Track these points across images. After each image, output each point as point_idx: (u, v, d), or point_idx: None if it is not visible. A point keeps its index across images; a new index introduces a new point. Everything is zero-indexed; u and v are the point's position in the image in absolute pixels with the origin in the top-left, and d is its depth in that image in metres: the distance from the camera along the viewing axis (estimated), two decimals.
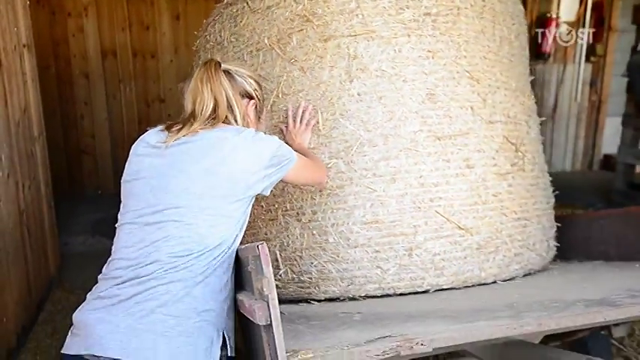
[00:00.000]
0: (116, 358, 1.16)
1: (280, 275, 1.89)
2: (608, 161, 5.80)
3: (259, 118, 1.63)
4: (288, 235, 1.90)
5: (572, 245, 2.24)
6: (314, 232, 1.84)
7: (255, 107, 1.57)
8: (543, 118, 2.40)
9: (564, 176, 5.66)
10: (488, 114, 1.86)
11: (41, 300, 3.34)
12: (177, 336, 1.22)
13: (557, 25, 5.49)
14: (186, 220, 1.28)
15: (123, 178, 1.41)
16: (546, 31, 5.43)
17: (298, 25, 1.85)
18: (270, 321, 1.03)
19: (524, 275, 1.99)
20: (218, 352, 1.28)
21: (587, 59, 5.73)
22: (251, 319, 1.13)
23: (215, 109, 1.40)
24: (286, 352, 1.02)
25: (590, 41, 5.69)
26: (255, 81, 1.56)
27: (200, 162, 1.32)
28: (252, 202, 1.43)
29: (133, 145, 1.43)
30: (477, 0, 1.94)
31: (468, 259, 1.77)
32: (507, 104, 1.94)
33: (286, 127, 1.87)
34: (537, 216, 2.00)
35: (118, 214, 1.39)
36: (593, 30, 5.70)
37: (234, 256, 1.37)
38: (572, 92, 5.75)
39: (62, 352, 1.23)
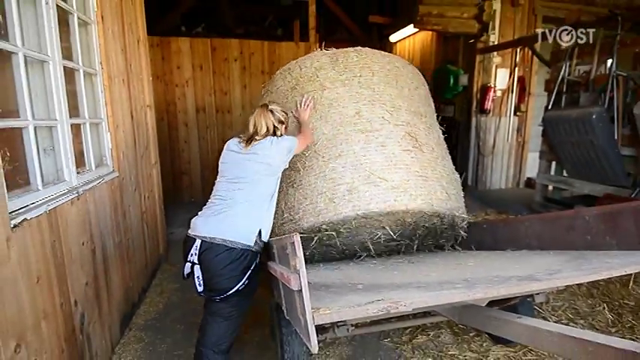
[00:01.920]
0: (202, 235, 1.68)
1: (284, 217, 2.26)
2: (529, 182, 5.66)
3: (286, 128, 2.00)
4: (287, 195, 2.26)
5: (506, 239, 2.18)
6: (300, 191, 2.20)
7: (286, 127, 1.98)
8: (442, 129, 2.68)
9: (501, 192, 5.54)
10: (394, 121, 2.24)
11: (154, 271, 3.38)
12: (237, 223, 1.71)
13: (495, 92, 5.39)
14: (248, 184, 1.76)
15: (220, 161, 1.89)
16: (487, 95, 5.31)
17: (290, 89, 2.43)
18: (301, 287, 1.08)
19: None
20: (257, 231, 1.73)
21: (515, 114, 5.61)
22: (287, 285, 1.22)
23: (267, 130, 1.86)
24: (312, 309, 1.06)
25: (516, 102, 5.55)
26: (285, 112, 1.96)
27: (258, 157, 1.79)
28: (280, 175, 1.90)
29: (225, 146, 1.92)
30: (385, 67, 2.41)
31: (386, 195, 2.06)
32: (408, 118, 2.29)
33: (297, 110, 2.29)
34: (436, 178, 2.22)
35: (216, 179, 1.87)
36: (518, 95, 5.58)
37: (275, 196, 1.86)
38: (505, 135, 5.66)
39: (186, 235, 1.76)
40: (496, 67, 5.47)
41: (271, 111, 1.87)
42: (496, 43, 5.41)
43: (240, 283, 1.67)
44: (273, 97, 2.51)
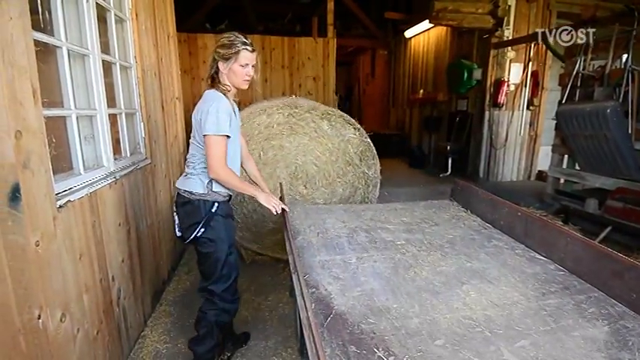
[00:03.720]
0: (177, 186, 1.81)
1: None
2: (540, 175, 5.51)
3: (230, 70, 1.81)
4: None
5: (539, 241, 2.10)
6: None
7: (229, 66, 1.76)
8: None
9: (512, 184, 5.43)
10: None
11: (182, 251, 3.43)
12: (187, 174, 1.79)
13: (508, 86, 5.24)
14: (193, 137, 1.79)
15: None
16: (500, 89, 5.17)
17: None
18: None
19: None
20: (206, 181, 1.75)
21: (527, 108, 5.45)
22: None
23: (208, 75, 1.81)
24: None
25: (529, 96, 5.38)
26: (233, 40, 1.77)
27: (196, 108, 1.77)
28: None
29: None
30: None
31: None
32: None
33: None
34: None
35: None
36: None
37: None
38: (517, 129, 5.53)
39: None
40: (510, 61, 5.31)
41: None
42: (510, 38, 5.24)
43: (197, 232, 1.71)
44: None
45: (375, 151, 3.32)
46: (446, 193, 3.15)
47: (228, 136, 1.64)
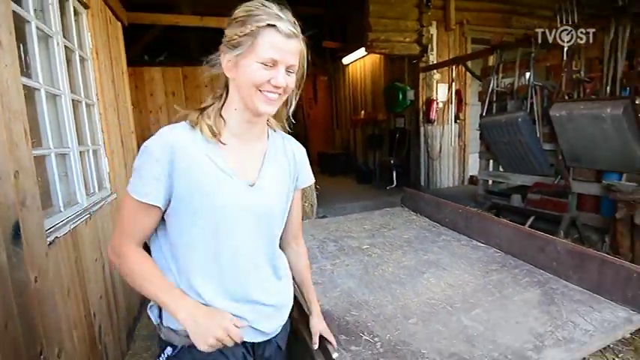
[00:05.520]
0: None
1: None
2: (472, 179, 6.18)
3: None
4: None
5: (478, 231, 2.45)
6: None
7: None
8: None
9: (449, 190, 6.01)
10: None
11: None
12: None
13: (437, 104, 5.90)
14: None
15: None
16: (431, 107, 5.80)
17: None
18: None
19: None
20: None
21: (455, 121, 6.15)
22: None
23: None
24: None
25: (456, 111, 6.09)
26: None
27: None
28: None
29: None
30: None
31: None
32: None
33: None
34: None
35: None
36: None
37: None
38: (449, 141, 6.17)
39: None
40: (437, 82, 6.01)
41: None
42: (435, 62, 5.95)
43: None
44: None
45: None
46: (395, 203, 3.50)
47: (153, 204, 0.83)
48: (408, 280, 1.91)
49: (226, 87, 0.92)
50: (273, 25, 0.79)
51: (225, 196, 0.87)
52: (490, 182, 4.80)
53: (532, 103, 3.89)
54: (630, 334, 1.69)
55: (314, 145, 9.80)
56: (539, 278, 1.86)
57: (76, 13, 2.14)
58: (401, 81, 6.37)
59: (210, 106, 0.93)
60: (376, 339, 1.44)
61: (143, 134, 5.11)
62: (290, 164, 1.04)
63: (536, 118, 3.84)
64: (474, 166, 5.89)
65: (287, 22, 0.81)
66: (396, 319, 1.57)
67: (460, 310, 1.62)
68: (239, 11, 0.83)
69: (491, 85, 4.37)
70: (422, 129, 6.04)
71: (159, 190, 0.82)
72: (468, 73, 5.79)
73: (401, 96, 6.13)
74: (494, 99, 4.37)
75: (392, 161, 6.38)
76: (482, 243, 2.33)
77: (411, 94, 6.10)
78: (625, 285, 1.61)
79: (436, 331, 1.48)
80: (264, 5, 0.82)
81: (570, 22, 3.74)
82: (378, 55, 6.83)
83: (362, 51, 6.32)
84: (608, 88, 3.28)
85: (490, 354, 1.33)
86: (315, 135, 10.38)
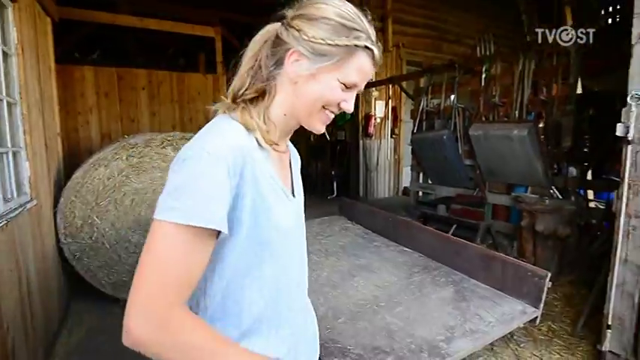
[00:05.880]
0: None
1: None
2: (405, 190, 6.60)
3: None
4: None
5: (405, 238, 2.64)
6: None
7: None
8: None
9: (386, 200, 6.36)
10: None
11: (69, 301, 3.09)
12: None
13: (375, 119, 6.24)
14: None
15: None
16: (370, 122, 6.13)
17: None
18: None
19: None
20: None
21: (391, 136, 6.54)
22: None
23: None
24: None
25: (392, 127, 6.50)
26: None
27: None
28: None
29: None
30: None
31: None
32: None
33: None
34: None
35: None
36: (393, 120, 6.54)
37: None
38: (385, 154, 6.52)
39: None
40: (375, 99, 6.38)
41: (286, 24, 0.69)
42: (373, 80, 6.33)
43: None
44: None
45: None
46: (335, 212, 3.66)
47: (218, 232, 0.60)
48: (341, 283, 2.04)
49: (269, 83, 0.70)
50: (371, 50, 0.68)
51: (285, 218, 0.70)
52: (420, 193, 5.18)
53: (455, 123, 4.32)
54: (531, 326, 1.97)
55: None
56: (454, 278, 2.10)
57: (1, 6, 2.00)
58: None
59: (249, 101, 0.70)
60: None
61: (70, 137, 4.75)
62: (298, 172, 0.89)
63: (459, 136, 4.26)
64: (407, 179, 6.31)
65: (379, 47, 0.70)
66: (326, 320, 1.67)
67: (385, 309, 1.77)
68: (331, 11, 0.65)
69: (422, 104, 4.77)
70: (361, 142, 6.35)
71: (225, 211, 0.59)
72: (403, 92, 6.24)
73: None
74: (424, 117, 4.76)
75: (333, 172, 6.60)
76: (409, 248, 2.55)
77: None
78: (522, 282, 1.88)
79: (362, 328, 1.61)
80: (360, 18, 0.68)
81: (487, 53, 4.25)
82: None
83: None
84: (517, 112, 3.77)
85: (408, 346, 1.48)
86: None
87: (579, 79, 3.46)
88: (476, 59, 4.37)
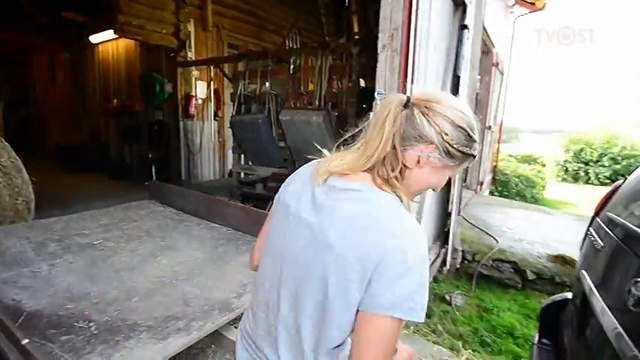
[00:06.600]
0: None
1: None
2: (231, 172, 6.68)
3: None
4: None
5: (214, 214, 2.70)
6: None
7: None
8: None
9: (211, 182, 6.33)
10: None
11: None
12: None
13: (196, 100, 6.05)
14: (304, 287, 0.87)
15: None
16: (190, 102, 5.91)
17: None
18: None
19: None
20: None
21: (214, 118, 6.49)
22: None
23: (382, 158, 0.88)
24: None
25: (215, 109, 6.45)
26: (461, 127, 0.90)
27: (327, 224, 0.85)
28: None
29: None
30: None
31: None
32: None
33: None
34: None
35: None
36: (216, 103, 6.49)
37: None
38: (209, 136, 6.44)
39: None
40: (195, 79, 6.15)
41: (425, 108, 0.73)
42: (193, 59, 6.08)
43: None
44: None
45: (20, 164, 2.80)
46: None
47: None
48: (140, 266, 1.99)
49: (398, 161, 0.74)
50: (474, 157, 0.78)
51: None
52: (242, 174, 5.38)
53: (269, 108, 4.65)
54: None
55: (55, 137, 8.05)
56: (254, 244, 2.34)
57: None
58: (159, 72, 6.15)
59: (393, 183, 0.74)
60: (91, 324, 1.46)
61: None
62: None
63: (273, 121, 4.62)
64: (232, 161, 6.42)
65: None
66: (118, 302, 1.63)
67: (184, 281, 1.84)
68: (465, 121, 0.74)
69: (240, 88, 4.92)
70: (181, 123, 6.06)
71: None
72: (224, 75, 6.25)
73: (158, 88, 5.93)
74: (243, 101, 4.93)
75: (150, 155, 6.09)
76: (219, 224, 2.67)
77: (169, 87, 5.99)
78: None
79: (157, 302, 1.64)
80: (477, 129, 0.77)
81: (294, 46, 4.71)
82: (133, 41, 6.33)
83: (111, 33, 5.70)
84: (317, 101, 4.35)
85: (202, 309, 1.61)
86: (57, 124, 8.52)
87: (360, 77, 4.24)
88: (286, 50, 4.78)
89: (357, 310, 0.67)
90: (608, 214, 1.31)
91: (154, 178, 6.17)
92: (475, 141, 0.76)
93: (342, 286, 0.66)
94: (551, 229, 4.55)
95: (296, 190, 0.82)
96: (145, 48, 6.31)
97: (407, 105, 0.72)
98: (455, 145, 0.72)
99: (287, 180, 0.89)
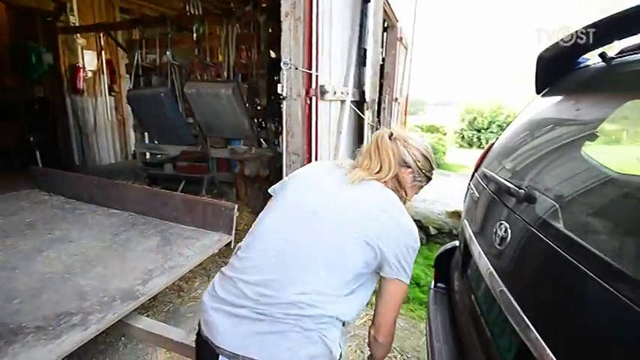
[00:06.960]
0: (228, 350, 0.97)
1: None
2: (135, 154, 6.12)
3: (414, 185, 1.30)
4: None
5: (115, 199, 2.46)
6: None
7: (413, 179, 1.28)
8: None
9: (111, 166, 5.72)
10: None
11: None
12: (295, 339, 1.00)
13: (85, 72, 5.31)
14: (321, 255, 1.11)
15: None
16: (77, 75, 5.16)
17: None
18: None
19: None
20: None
21: (110, 94, 5.79)
22: None
23: (387, 169, 1.22)
24: None
25: (109, 83, 5.74)
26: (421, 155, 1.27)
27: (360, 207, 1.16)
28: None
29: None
30: None
31: None
32: None
33: None
34: None
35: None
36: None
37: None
38: (104, 114, 5.75)
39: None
40: (82, 48, 5.36)
41: (404, 142, 1.07)
42: (77, 25, 5.25)
43: None
44: None
45: None
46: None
47: None
48: (22, 264, 1.74)
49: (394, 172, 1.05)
50: (431, 179, 1.15)
51: None
52: (148, 155, 4.96)
53: (173, 80, 4.29)
54: (228, 249, 2.28)
55: None
56: (162, 227, 2.20)
57: None
58: (34, 40, 5.19)
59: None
60: None
61: None
62: None
63: (177, 94, 4.28)
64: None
65: None
66: None
67: (79, 274, 1.66)
68: (429, 153, 1.11)
69: (137, 59, 4.43)
70: (68, 100, 5.28)
71: None
72: (116, 44, 5.55)
73: (35, 58, 5.02)
74: (141, 73, 4.47)
75: (32, 138, 5.22)
76: (119, 209, 2.44)
77: (48, 58, 5.12)
78: (218, 217, 2.18)
79: (45, 301, 1.46)
80: (434, 161, 1.14)
81: (196, 13, 4.35)
82: None
83: None
84: (225, 72, 4.13)
85: (101, 300, 1.47)
86: None
87: (269, 48, 4.11)
88: (187, 17, 4.39)
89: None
90: (483, 170, 1.50)
91: (40, 165, 5.34)
92: (434, 168, 1.12)
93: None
94: (450, 189, 5.11)
95: (321, 179, 1.09)
96: (15, 12, 5.25)
97: (391, 138, 1.05)
98: (425, 172, 1.08)
99: (299, 172, 1.16)
